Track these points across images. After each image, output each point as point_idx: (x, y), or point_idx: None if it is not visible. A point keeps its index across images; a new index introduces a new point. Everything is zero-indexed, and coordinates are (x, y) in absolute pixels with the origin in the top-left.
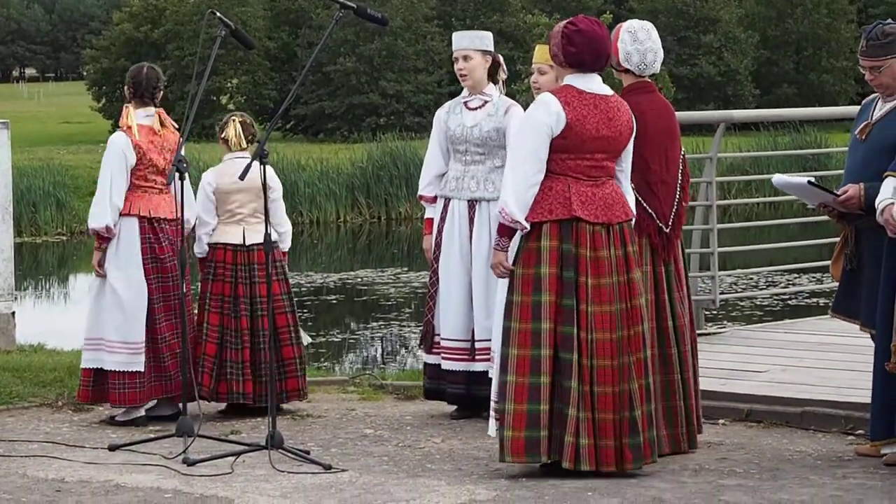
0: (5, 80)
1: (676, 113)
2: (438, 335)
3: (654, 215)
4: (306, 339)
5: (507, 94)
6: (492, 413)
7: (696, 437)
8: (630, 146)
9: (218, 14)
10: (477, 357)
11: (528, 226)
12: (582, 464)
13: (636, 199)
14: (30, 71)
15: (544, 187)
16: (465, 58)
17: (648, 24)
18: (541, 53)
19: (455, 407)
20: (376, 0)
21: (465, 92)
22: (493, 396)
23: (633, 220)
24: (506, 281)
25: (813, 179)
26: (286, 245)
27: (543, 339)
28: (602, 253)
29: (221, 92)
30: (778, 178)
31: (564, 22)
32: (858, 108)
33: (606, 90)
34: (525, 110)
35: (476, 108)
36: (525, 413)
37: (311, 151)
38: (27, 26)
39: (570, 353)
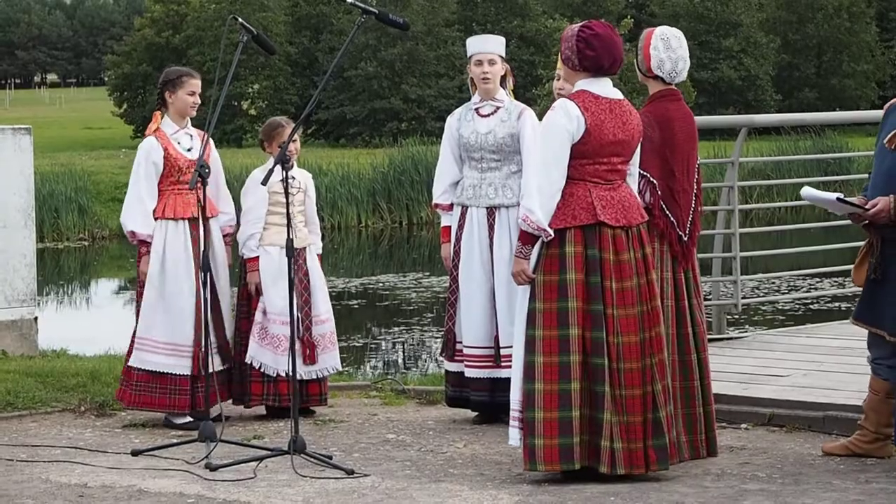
0: (27, 86)
1: (698, 118)
2: (460, 343)
3: (676, 223)
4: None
5: (526, 99)
6: (512, 422)
7: (715, 442)
8: (638, 149)
9: (240, 19)
10: (503, 363)
11: (552, 233)
12: (618, 468)
13: (661, 206)
14: (51, 76)
15: (565, 193)
16: (491, 62)
17: (679, 32)
18: None
19: (477, 413)
20: (397, 5)
21: (474, 98)
22: (516, 405)
23: (647, 221)
24: (525, 288)
25: (842, 195)
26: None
27: (572, 345)
28: (624, 256)
29: (243, 97)
30: (807, 191)
31: (578, 26)
32: (881, 111)
33: (618, 94)
34: (540, 115)
35: (488, 115)
36: (556, 420)
37: (333, 156)
38: (49, 32)
39: (602, 358)
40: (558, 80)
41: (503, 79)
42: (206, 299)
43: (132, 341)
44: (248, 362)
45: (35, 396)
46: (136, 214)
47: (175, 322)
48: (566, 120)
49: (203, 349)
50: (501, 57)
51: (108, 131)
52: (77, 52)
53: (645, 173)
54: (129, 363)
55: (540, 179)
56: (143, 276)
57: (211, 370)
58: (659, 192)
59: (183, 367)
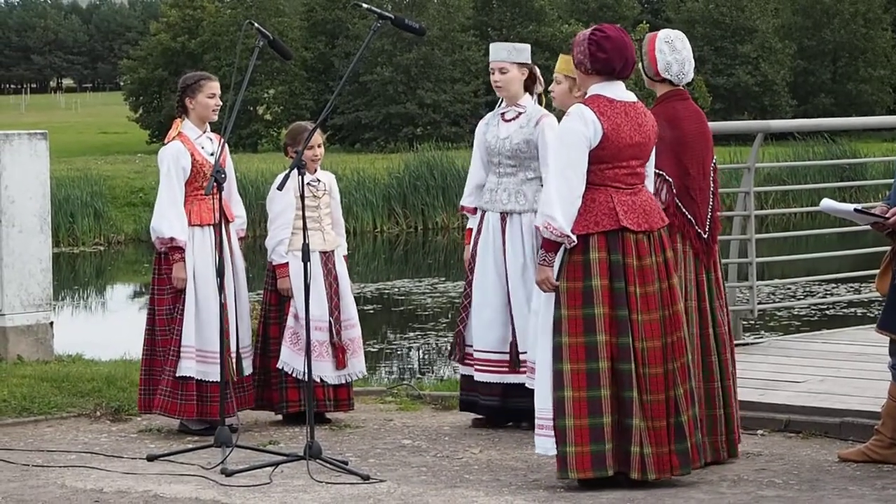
0: (43, 91)
1: (714, 123)
2: (470, 346)
3: (694, 221)
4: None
5: (544, 105)
6: (540, 431)
7: (735, 445)
8: (654, 152)
9: (256, 24)
10: (520, 369)
11: (575, 239)
12: (649, 473)
13: (676, 204)
14: (67, 81)
15: (587, 199)
16: (501, 70)
17: (681, 34)
18: (561, 63)
19: (476, 416)
20: (413, 10)
21: (503, 103)
22: (546, 414)
23: (667, 225)
24: (549, 296)
25: (859, 206)
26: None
27: (600, 352)
28: (647, 261)
29: (258, 102)
30: (826, 203)
31: (590, 29)
32: None
33: (632, 97)
34: (556, 122)
35: (510, 120)
36: (587, 427)
37: (348, 161)
38: (65, 37)
39: (629, 364)
40: (558, 84)
41: (530, 84)
42: (221, 304)
43: (174, 351)
44: (281, 368)
45: (51, 401)
46: (174, 220)
47: (206, 329)
48: (582, 125)
49: (225, 355)
50: (518, 64)
51: (123, 136)
52: (93, 56)
53: (661, 172)
54: (182, 374)
55: (559, 186)
56: (182, 282)
57: (231, 377)
58: (674, 190)
59: (215, 374)
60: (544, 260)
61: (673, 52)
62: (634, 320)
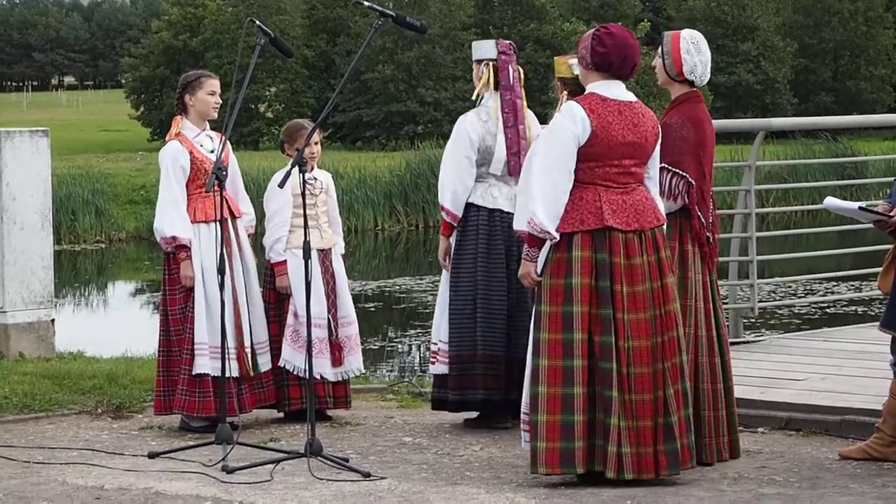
0: (44, 89)
1: (715, 121)
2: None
3: (705, 224)
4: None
5: (542, 103)
6: (523, 425)
7: (738, 445)
8: (657, 152)
9: (257, 22)
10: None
11: (557, 236)
12: (625, 473)
13: (693, 209)
14: (69, 79)
15: (574, 197)
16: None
17: (700, 35)
18: (554, 64)
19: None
20: (414, 8)
21: None
22: (526, 409)
23: (664, 225)
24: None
25: (864, 205)
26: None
27: (576, 350)
28: (636, 260)
29: (259, 100)
30: (829, 201)
31: (598, 26)
32: None
33: (630, 97)
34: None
35: None
36: (559, 424)
37: (349, 159)
38: (66, 35)
39: (610, 362)
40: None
41: (484, 79)
42: (223, 301)
43: (188, 349)
44: (283, 366)
45: (52, 398)
46: (176, 219)
47: (216, 325)
48: (570, 122)
49: (241, 350)
50: (477, 62)
51: (125, 134)
52: (94, 54)
53: (684, 174)
54: (198, 371)
55: (543, 182)
56: (190, 280)
57: (231, 373)
58: (694, 194)
59: (230, 369)
60: (527, 255)
61: (698, 53)
62: (620, 319)
